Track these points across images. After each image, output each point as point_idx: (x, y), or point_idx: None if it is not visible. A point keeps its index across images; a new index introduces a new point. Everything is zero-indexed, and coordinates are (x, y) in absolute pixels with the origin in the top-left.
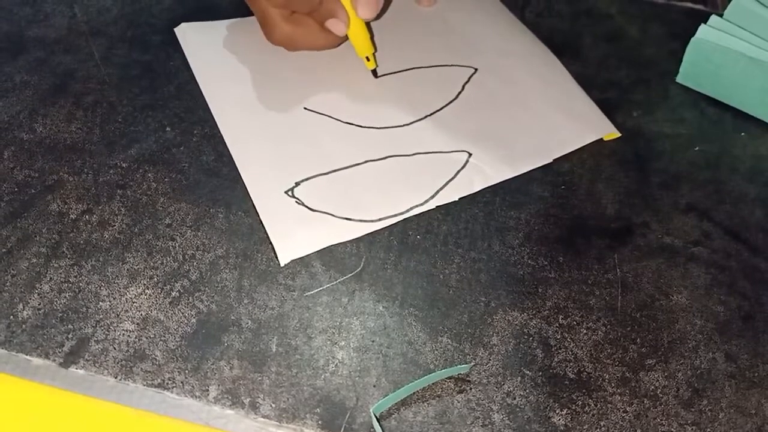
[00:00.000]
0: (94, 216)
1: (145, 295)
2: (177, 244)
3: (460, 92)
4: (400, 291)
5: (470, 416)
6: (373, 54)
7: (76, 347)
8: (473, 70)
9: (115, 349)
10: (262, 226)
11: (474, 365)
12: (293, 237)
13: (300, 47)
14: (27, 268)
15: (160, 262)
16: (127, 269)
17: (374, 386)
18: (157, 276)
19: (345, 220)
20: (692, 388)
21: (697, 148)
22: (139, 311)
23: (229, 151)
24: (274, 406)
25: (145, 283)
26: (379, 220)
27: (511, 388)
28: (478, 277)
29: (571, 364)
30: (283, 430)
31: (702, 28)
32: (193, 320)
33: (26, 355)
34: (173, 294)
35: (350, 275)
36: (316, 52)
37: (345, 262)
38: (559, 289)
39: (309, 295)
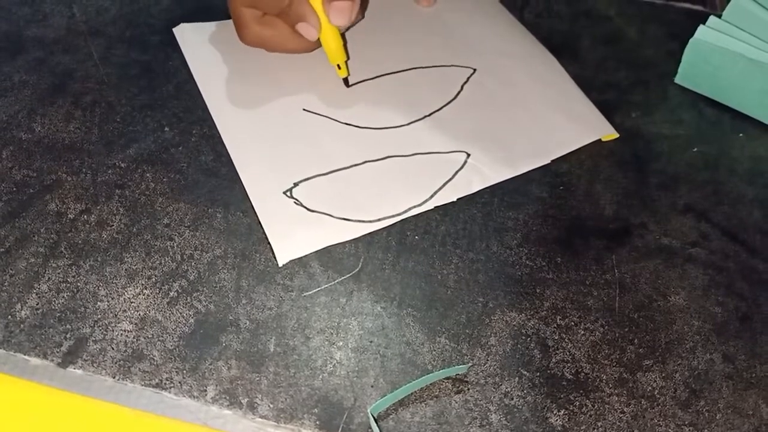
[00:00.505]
0: (93, 216)
1: (143, 295)
2: (175, 244)
3: (458, 93)
4: (398, 291)
5: (468, 417)
6: (346, 62)
7: (74, 347)
8: (472, 71)
9: (113, 349)
10: (261, 226)
11: (472, 366)
12: (291, 237)
13: (272, 49)
14: (25, 268)
15: (158, 262)
16: (126, 269)
17: (372, 386)
18: (156, 276)
19: (343, 221)
20: (689, 388)
21: (695, 149)
22: (137, 311)
23: (227, 151)
24: (272, 406)
25: (143, 283)
26: (378, 220)
27: (509, 389)
28: (476, 277)
29: (568, 364)
30: (281, 431)
31: (701, 29)
32: (191, 320)
33: (24, 355)
34: (171, 294)
35: (348, 275)
36: (316, 53)
37: (343, 263)
38: (557, 289)
39: (307, 295)
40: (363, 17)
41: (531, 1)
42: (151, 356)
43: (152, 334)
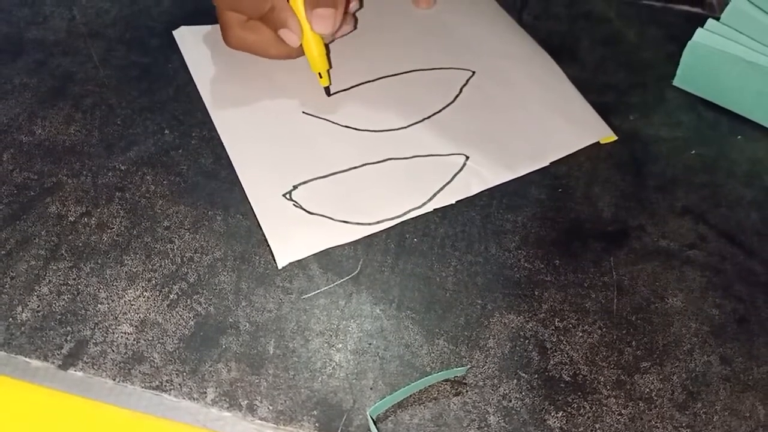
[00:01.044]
0: (93, 218)
1: (144, 297)
2: (175, 247)
3: (457, 95)
4: (397, 294)
5: (466, 419)
6: (327, 71)
7: (74, 349)
8: (471, 73)
9: (113, 351)
10: (260, 228)
11: (470, 368)
12: (291, 240)
13: (256, 54)
14: (26, 271)
15: (158, 264)
16: (126, 272)
17: (371, 389)
18: (156, 278)
19: (342, 223)
20: (687, 391)
21: (693, 152)
22: (138, 313)
23: (227, 154)
24: (271, 408)
25: (144, 285)
26: (377, 223)
27: (507, 391)
28: (474, 280)
29: (566, 366)
30: None
31: (699, 31)
32: (191, 323)
33: (25, 357)
34: (171, 296)
35: (347, 278)
36: None
37: (342, 265)
38: (555, 292)
39: (306, 297)
40: (355, 28)
41: (530, 3)
42: (151, 358)
43: (152, 337)
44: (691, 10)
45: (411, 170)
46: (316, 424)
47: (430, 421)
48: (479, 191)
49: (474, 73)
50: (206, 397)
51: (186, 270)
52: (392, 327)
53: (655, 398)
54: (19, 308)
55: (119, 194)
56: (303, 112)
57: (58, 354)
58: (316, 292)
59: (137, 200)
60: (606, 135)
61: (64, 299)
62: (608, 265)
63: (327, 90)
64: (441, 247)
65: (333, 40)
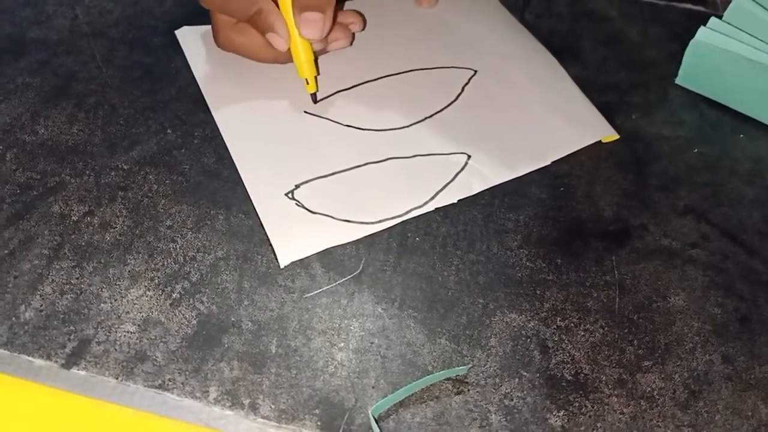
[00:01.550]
0: (96, 218)
1: (146, 296)
2: (178, 246)
3: (459, 94)
4: (399, 293)
5: (468, 417)
6: (315, 78)
7: (77, 348)
8: (473, 72)
9: (116, 350)
10: (263, 228)
11: (472, 367)
12: (293, 239)
13: (246, 57)
14: (29, 270)
15: (161, 263)
16: (129, 271)
17: (373, 387)
18: (158, 278)
19: (344, 222)
20: (689, 390)
21: (695, 150)
22: (140, 313)
23: (229, 153)
24: (273, 407)
25: (146, 284)
26: (379, 222)
27: (509, 390)
28: (476, 279)
29: (568, 365)
30: (282, 431)
31: (701, 30)
32: (194, 322)
33: (28, 356)
34: (174, 295)
35: (349, 277)
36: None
37: (344, 264)
38: (557, 291)
39: (308, 296)
40: (351, 45)
41: (532, 2)
42: (154, 357)
43: (155, 336)
44: (694, 9)
45: (413, 169)
46: (318, 423)
47: (432, 419)
48: (481, 190)
49: (476, 72)
50: (209, 395)
51: (188, 269)
52: (394, 326)
53: (657, 397)
54: (23, 307)
55: (122, 194)
56: (305, 112)
57: (61, 353)
58: (318, 291)
59: (140, 200)
60: (608, 134)
61: (67, 298)
62: (610, 264)
63: (314, 96)
64: (443, 246)
65: (325, 52)
